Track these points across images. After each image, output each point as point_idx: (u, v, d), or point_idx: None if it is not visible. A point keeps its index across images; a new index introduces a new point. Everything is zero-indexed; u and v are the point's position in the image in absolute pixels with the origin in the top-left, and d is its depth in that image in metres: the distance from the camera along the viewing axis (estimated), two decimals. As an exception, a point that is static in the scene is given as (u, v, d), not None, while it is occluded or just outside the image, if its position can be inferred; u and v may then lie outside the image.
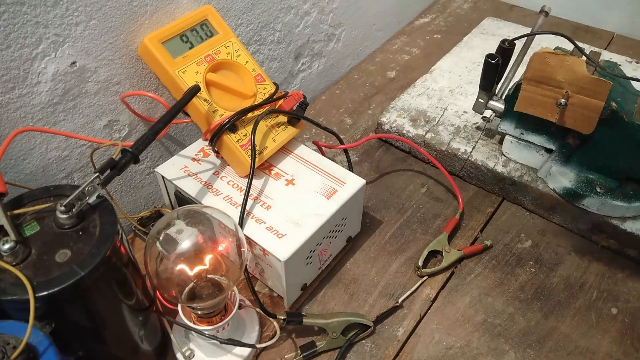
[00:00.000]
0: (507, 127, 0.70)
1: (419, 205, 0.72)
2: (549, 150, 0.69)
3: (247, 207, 0.56)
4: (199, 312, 0.49)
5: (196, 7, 0.62)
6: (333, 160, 0.65)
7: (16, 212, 0.40)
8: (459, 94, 0.85)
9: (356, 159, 0.79)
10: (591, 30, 1.07)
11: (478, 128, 0.78)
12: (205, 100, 0.57)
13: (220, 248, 0.49)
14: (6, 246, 0.37)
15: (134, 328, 0.47)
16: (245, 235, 0.54)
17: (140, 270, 0.47)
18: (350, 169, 0.66)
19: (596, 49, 0.88)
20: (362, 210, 0.65)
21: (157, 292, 0.52)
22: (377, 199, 0.73)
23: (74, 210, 0.40)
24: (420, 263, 0.63)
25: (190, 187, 0.59)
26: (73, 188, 0.41)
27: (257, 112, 0.60)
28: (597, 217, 0.65)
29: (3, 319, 0.36)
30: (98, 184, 0.41)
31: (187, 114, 0.59)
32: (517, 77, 0.69)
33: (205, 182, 0.60)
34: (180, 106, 0.53)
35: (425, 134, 0.77)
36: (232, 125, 0.58)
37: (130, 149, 0.45)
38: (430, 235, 0.68)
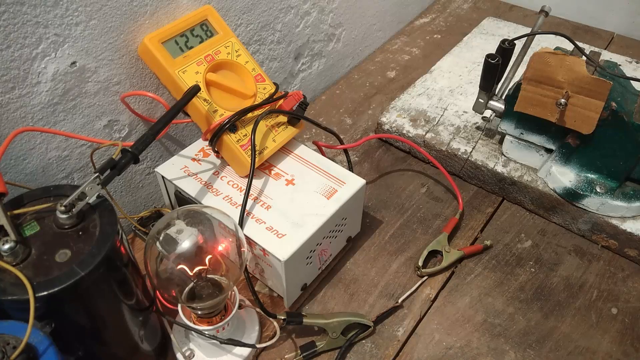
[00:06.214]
0: (507, 127, 0.70)
1: (419, 205, 0.72)
2: (549, 150, 0.69)
3: (247, 207, 0.56)
4: (199, 312, 0.49)
5: (196, 7, 0.62)
6: (333, 160, 0.65)
7: (16, 212, 0.40)
8: (459, 94, 0.85)
9: (356, 159, 0.79)
10: (591, 30, 1.07)
11: (478, 128, 0.78)
12: (205, 100, 0.57)
13: (220, 248, 0.49)
14: (6, 246, 0.37)
15: (134, 328, 0.47)
16: (245, 235, 0.54)
17: (140, 270, 0.48)
18: (350, 169, 0.66)
19: (596, 49, 0.88)
20: (362, 210, 0.65)
21: (157, 292, 0.52)
22: (377, 199, 0.73)
23: (74, 210, 0.40)
24: (420, 263, 0.63)
25: (190, 187, 0.59)
26: (73, 188, 0.41)
27: (257, 112, 0.60)
28: (597, 217, 0.65)
29: (3, 319, 0.36)
30: (98, 184, 0.41)
31: (187, 114, 0.59)
32: (517, 77, 0.69)
33: (205, 182, 0.60)
34: (180, 106, 0.53)
35: (425, 134, 0.77)
36: (232, 125, 0.58)
37: (130, 149, 0.45)
38: (430, 235, 0.68)
